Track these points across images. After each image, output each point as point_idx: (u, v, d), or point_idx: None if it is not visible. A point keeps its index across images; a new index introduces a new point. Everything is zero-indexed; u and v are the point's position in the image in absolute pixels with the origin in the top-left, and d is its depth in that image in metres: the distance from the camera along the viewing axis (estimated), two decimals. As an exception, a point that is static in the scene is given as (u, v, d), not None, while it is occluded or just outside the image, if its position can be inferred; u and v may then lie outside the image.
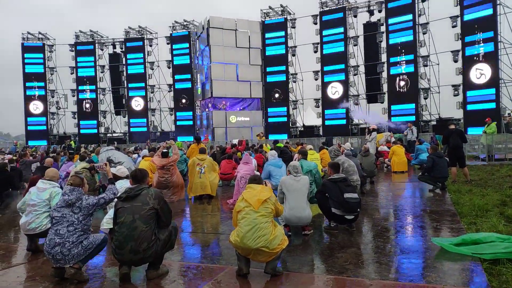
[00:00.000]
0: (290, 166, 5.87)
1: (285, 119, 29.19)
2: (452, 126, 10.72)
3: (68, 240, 4.04)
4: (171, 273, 4.30)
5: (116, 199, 4.37)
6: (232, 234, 4.21)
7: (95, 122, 32.54)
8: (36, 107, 32.11)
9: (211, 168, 9.40)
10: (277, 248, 4.00)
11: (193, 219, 7.57)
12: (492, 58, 20.32)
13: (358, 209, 5.74)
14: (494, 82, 20.25)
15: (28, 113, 32.09)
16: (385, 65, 25.02)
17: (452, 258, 4.39)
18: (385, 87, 25.41)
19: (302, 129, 28.94)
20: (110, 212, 5.37)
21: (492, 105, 20.14)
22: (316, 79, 27.82)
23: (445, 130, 10.99)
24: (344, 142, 16.73)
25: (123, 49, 32.39)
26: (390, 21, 24.45)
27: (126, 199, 4.11)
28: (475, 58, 20.93)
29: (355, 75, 26.57)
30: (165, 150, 9.32)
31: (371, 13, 25.79)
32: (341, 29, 26.31)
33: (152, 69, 32.06)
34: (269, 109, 29.63)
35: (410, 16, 23.65)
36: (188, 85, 31.50)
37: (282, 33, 28.77)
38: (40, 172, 9.31)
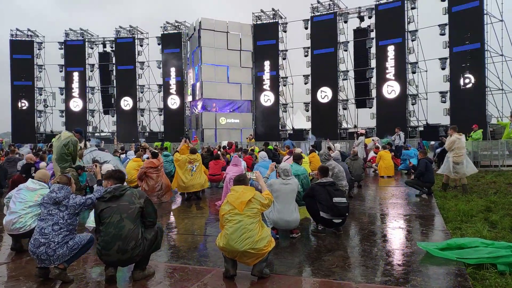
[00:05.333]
0: (280, 169, 5.86)
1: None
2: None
3: (53, 241, 3.98)
4: (157, 274, 4.27)
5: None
6: (219, 237, 4.20)
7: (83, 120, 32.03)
8: (24, 104, 31.53)
9: (202, 168, 9.56)
10: (264, 250, 4.00)
11: (180, 220, 7.52)
12: (479, 66, 20.68)
13: (346, 213, 5.78)
14: (481, 89, 20.61)
15: (15, 111, 31.47)
16: (374, 70, 25.27)
17: (437, 262, 4.45)
18: (373, 93, 25.65)
19: (292, 132, 29.01)
20: None
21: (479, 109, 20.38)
22: (306, 83, 27.95)
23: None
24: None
25: (113, 48, 32.07)
26: (380, 27, 24.73)
27: (111, 199, 4.07)
28: (462, 65, 21.28)
29: (344, 80, 26.76)
30: (155, 151, 9.46)
31: (361, 19, 26.04)
32: (332, 34, 26.48)
33: (142, 69, 31.81)
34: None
35: (400, 23, 23.97)
36: (178, 85, 31.32)
37: (273, 37, 28.83)
38: (24, 171, 9.20)
